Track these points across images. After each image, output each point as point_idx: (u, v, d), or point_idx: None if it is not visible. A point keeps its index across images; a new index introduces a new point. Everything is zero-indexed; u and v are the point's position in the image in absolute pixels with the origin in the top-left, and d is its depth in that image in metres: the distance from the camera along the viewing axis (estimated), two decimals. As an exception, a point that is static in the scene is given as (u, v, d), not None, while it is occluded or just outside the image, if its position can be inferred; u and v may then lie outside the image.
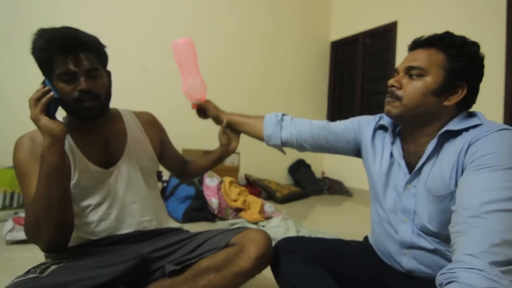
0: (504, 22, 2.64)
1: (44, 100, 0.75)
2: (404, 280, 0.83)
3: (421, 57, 0.78)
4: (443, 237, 0.75)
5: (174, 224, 1.07)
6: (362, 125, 0.97)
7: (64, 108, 0.84)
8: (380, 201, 0.88)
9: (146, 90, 2.74)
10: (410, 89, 0.78)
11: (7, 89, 2.23)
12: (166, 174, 2.57)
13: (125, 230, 0.91)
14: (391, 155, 0.86)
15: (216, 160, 1.18)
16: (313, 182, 3.77)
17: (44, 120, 0.74)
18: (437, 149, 0.77)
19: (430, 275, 0.78)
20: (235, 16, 3.39)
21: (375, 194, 0.91)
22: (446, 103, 0.76)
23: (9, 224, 1.63)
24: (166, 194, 2.39)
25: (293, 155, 3.94)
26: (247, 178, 3.34)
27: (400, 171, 0.84)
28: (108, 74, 0.91)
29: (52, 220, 0.73)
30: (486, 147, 0.66)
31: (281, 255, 0.88)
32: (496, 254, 0.51)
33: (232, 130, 1.15)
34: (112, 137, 0.93)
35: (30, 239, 0.78)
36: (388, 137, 0.89)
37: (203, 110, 1.16)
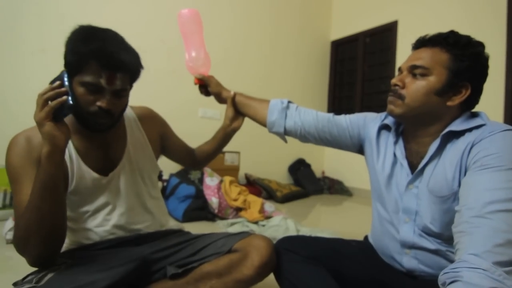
0: (504, 22, 2.63)
1: (54, 104, 0.67)
2: (404, 279, 0.83)
3: (425, 56, 0.77)
4: (445, 237, 0.74)
5: (174, 224, 1.06)
6: (367, 122, 0.96)
7: (74, 113, 0.79)
8: (382, 200, 0.88)
9: (146, 90, 2.74)
10: (413, 89, 0.77)
11: (7, 89, 2.23)
12: (166, 174, 2.57)
13: (124, 234, 0.89)
14: (394, 155, 0.86)
15: (221, 141, 1.15)
16: (313, 181, 3.77)
17: (49, 126, 0.67)
18: (439, 150, 0.77)
19: (431, 275, 0.78)
20: (235, 15, 3.39)
21: (377, 193, 0.91)
22: (449, 103, 0.76)
23: (9, 223, 1.63)
24: (166, 194, 2.39)
25: (293, 154, 3.95)
26: (247, 177, 3.34)
27: (403, 171, 0.83)
28: (131, 88, 0.86)
29: (43, 234, 0.69)
30: (489, 147, 0.66)
31: (281, 254, 0.88)
32: (499, 254, 0.51)
33: (235, 110, 1.12)
34: (113, 141, 0.89)
35: (18, 251, 0.73)
36: (391, 137, 0.89)
37: (205, 85, 1.13)
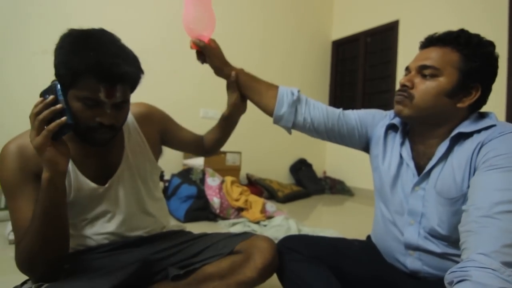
0: (506, 21, 2.63)
1: (53, 127, 0.61)
2: (408, 279, 0.82)
3: (435, 56, 0.75)
4: (453, 240, 0.73)
5: (175, 224, 1.06)
6: (376, 121, 0.94)
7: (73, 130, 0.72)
8: (386, 201, 0.87)
9: (146, 91, 2.74)
10: (423, 90, 0.75)
11: (10, 88, 2.23)
12: (168, 174, 2.57)
13: (124, 239, 0.87)
14: (400, 155, 0.84)
15: (227, 128, 1.04)
16: (315, 181, 3.77)
17: (50, 152, 0.62)
18: (448, 151, 0.75)
19: (435, 276, 0.77)
20: (235, 15, 3.39)
21: (381, 193, 0.89)
22: (459, 104, 0.74)
23: (12, 224, 1.64)
24: (168, 194, 2.39)
25: (294, 154, 3.94)
26: (248, 177, 3.34)
27: (409, 172, 0.82)
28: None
29: (47, 256, 0.67)
30: (499, 147, 0.65)
31: (283, 253, 0.88)
32: (508, 255, 0.51)
33: (239, 94, 0.97)
34: (110, 146, 0.83)
35: (22, 271, 0.70)
36: (398, 137, 0.87)
37: (203, 53, 0.95)
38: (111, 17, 2.60)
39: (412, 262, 0.80)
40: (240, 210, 2.28)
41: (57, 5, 2.39)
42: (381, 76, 3.72)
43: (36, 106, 0.63)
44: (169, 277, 0.83)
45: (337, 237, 1.02)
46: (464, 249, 0.56)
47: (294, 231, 1.93)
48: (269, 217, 2.22)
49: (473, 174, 0.69)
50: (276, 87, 0.97)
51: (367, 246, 0.95)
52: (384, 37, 3.68)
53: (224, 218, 2.22)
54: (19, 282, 0.75)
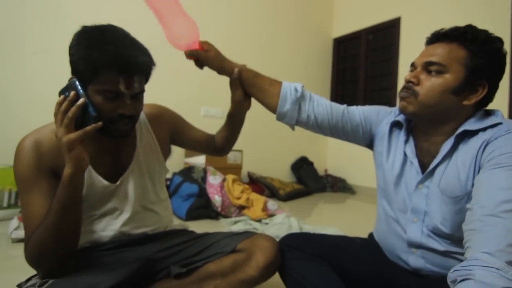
0: (509, 18, 2.61)
1: (90, 128, 0.66)
2: (410, 277, 0.82)
3: (441, 52, 0.73)
4: (456, 238, 0.73)
5: (178, 223, 1.06)
6: (381, 117, 0.93)
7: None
8: (389, 198, 0.86)
9: (147, 89, 2.74)
10: (429, 86, 0.73)
11: (10, 89, 2.24)
12: (169, 172, 2.57)
13: (128, 237, 0.88)
14: (404, 153, 0.83)
15: (232, 125, 1.03)
16: (316, 179, 3.77)
17: (79, 150, 0.65)
18: (452, 149, 0.74)
19: (438, 274, 0.77)
20: (236, 12, 3.38)
21: (384, 190, 0.89)
22: (465, 102, 0.73)
23: (15, 222, 1.64)
24: (169, 192, 2.39)
25: (296, 152, 3.94)
26: (250, 175, 3.35)
27: (412, 170, 0.81)
28: None
29: (58, 252, 0.69)
30: (504, 146, 0.64)
31: (285, 251, 0.88)
32: None
33: (243, 92, 0.95)
34: (123, 144, 0.86)
35: (30, 265, 0.71)
36: (402, 134, 0.86)
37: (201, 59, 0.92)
38: (111, 16, 2.59)
39: (415, 260, 0.80)
40: (241, 208, 2.29)
41: (57, 4, 2.39)
42: (383, 74, 3.71)
43: (59, 104, 0.66)
44: (172, 275, 0.83)
45: (338, 235, 1.02)
46: (468, 248, 0.56)
47: (295, 229, 1.93)
48: (271, 215, 2.23)
49: (478, 173, 0.68)
50: (279, 83, 0.94)
51: (369, 244, 0.95)
52: (386, 34, 3.66)
53: (225, 216, 2.23)
54: (21, 280, 0.76)
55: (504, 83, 2.56)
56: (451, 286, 0.54)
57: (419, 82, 0.75)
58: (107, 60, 0.67)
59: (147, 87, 0.81)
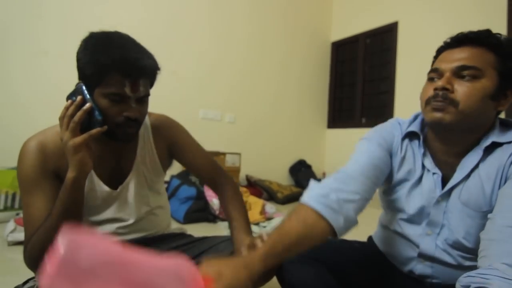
0: (505, 24, 2.63)
1: (95, 132, 0.67)
2: (411, 283, 0.81)
3: (474, 56, 0.67)
4: (476, 253, 0.69)
5: (176, 227, 1.06)
6: (389, 141, 0.84)
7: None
8: (400, 209, 0.82)
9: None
10: (467, 93, 0.66)
11: (11, 90, 2.23)
12: (167, 175, 2.57)
13: (127, 241, 0.87)
14: (422, 165, 0.79)
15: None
16: (314, 182, 3.76)
17: (83, 154, 0.66)
18: (478, 162, 0.70)
19: (443, 283, 0.76)
20: (234, 16, 3.39)
21: (391, 201, 0.85)
22: (500, 108, 0.69)
23: (11, 225, 1.63)
24: (167, 195, 2.39)
25: (294, 155, 3.94)
26: (248, 179, 3.34)
27: (430, 181, 0.77)
28: None
29: None
30: None
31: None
32: None
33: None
34: (124, 150, 0.85)
35: (29, 267, 0.71)
36: (416, 145, 0.81)
37: None
38: (111, 17, 2.60)
39: (422, 268, 0.78)
40: (239, 211, 2.28)
41: (56, 7, 2.39)
42: (381, 77, 3.73)
43: (66, 108, 0.68)
44: None
45: (336, 239, 1.01)
46: (483, 257, 0.55)
47: (293, 232, 1.92)
48: (269, 219, 2.23)
49: (504, 184, 0.66)
50: (295, 213, 0.77)
51: (368, 248, 0.95)
52: (384, 38, 3.69)
53: (223, 220, 2.22)
54: (17, 283, 0.75)
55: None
56: None
57: (453, 89, 0.68)
58: (113, 63, 0.69)
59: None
